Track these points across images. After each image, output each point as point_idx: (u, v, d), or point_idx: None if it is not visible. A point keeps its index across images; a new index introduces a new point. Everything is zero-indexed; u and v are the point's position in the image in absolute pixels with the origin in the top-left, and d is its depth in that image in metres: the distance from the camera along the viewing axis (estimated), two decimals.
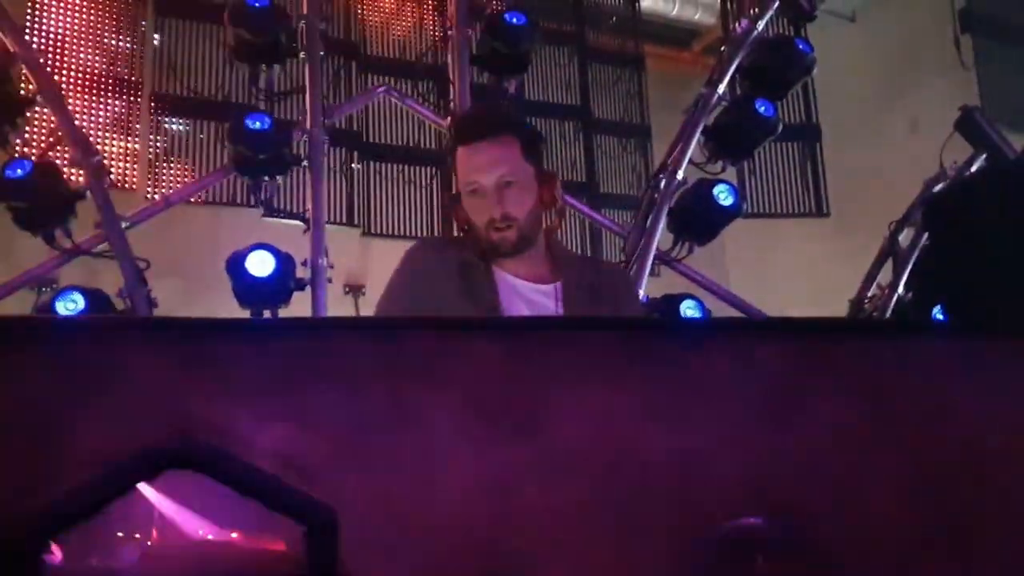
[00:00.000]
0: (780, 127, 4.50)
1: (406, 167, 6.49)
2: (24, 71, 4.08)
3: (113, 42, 5.32)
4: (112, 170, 4.61)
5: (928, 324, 2.03)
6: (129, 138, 5.24)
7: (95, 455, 0.99)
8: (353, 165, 6.14)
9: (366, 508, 1.01)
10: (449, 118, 4.50)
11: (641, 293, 4.13)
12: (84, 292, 3.69)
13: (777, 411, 1.18)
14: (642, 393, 1.16)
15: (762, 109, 4.39)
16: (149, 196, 5.18)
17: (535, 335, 1.20)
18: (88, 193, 3.98)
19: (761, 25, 4.56)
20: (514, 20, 4.23)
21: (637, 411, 1.14)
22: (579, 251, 6.67)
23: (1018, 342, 1.30)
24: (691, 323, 1.54)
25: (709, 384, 1.19)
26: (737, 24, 4.84)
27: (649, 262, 4.23)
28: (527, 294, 1.96)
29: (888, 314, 4.56)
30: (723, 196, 4.23)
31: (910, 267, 4.63)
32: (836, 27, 7.86)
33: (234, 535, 1.14)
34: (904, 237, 4.80)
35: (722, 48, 4.87)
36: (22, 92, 4.12)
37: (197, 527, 1.16)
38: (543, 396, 1.12)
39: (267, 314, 3.94)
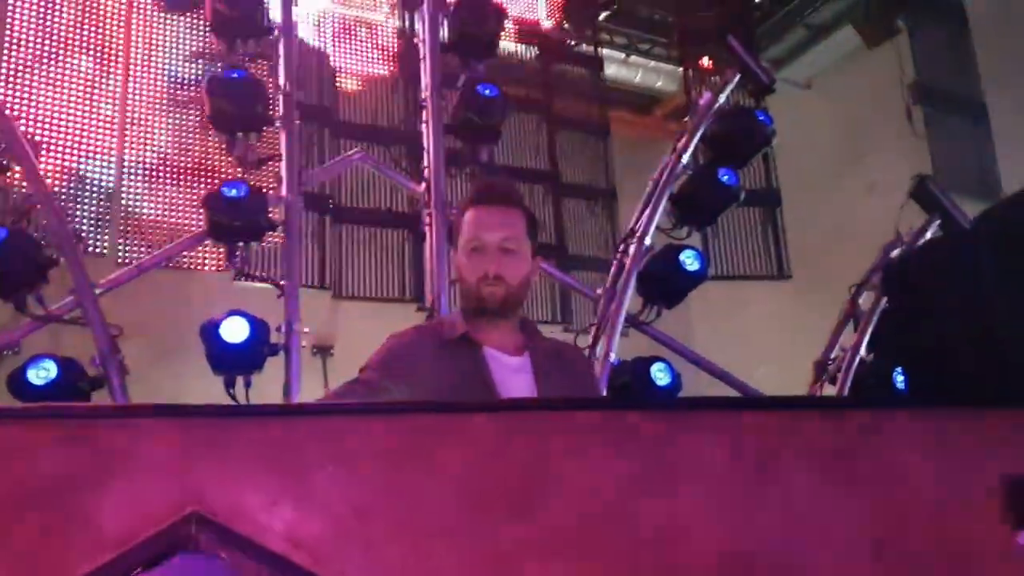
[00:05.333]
0: (743, 195, 4.64)
1: (378, 230, 6.57)
2: None
3: (87, 108, 5.37)
4: (84, 236, 4.60)
5: (890, 398, 2.12)
6: (101, 203, 5.27)
7: (108, 538, 1.03)
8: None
9: None
10: (423, 184, 4.58)
11: (612, 356, 4.21)
12: (56, 360, 3.67)
13: (755, 483, 1.25)
14: (629, 468, 1.21)
15: (725, 178, 4.54)
16: (121, 261, 5.18)
17: (527, 415, 1.26)
18: (61, 259, 3.98)
19: (723, 98, 4.73)
20: (487, 92, 4.36)
21: (627, 487, 1.20)
22: (550, 313, 6.78)
23: (972, 415, 1.38)
24: (673, 401, 1.61)
25: (692, 458, 1.25)
26: (699, 95, 5.01)
27: (620, 325, 4.32)
28: (506, 365, 2.03)
29: (850, 376, 4.67)
30: (689, 262, 4.35)
31: (871, 330, 4.76)
32: (792, 94, 8.14)
33: None
34: (864, 300, 4.94)
35: (686, 119, 5.03)
36: None
37: None
38: (536, 474, 1.17)
39: (240, 380, 3.95)
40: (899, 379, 4.41)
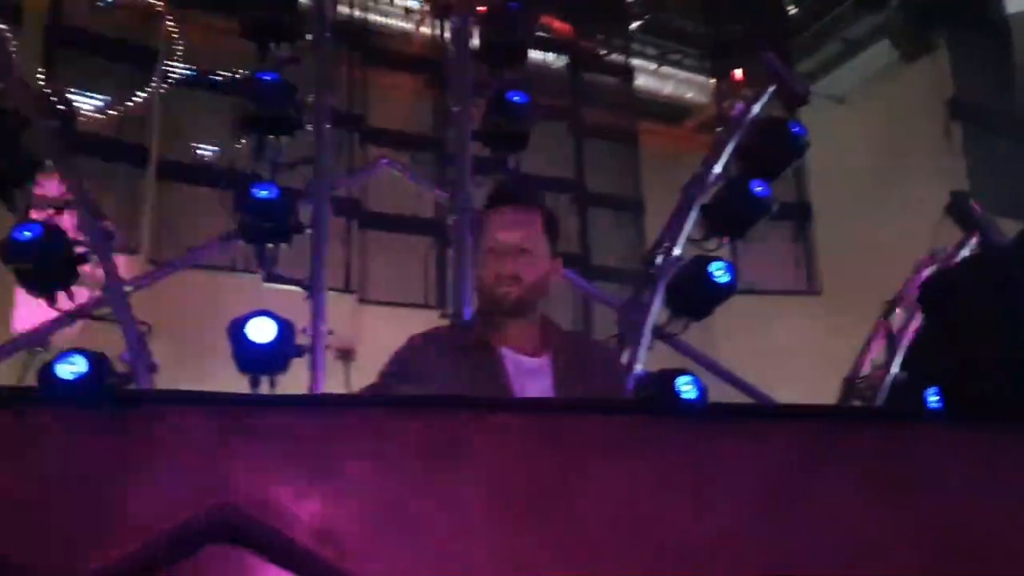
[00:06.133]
0: (775, 206, 4.59)
1: (403, 236, 6.58)
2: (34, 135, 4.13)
3: (122, 108, 5.44)
4: (116, 234, 4.62)
5: (931, 413, 2.07)
6: (135, 202, 5.33)
7: (138, 526, 1.01)
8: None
9: None
10: (449, 190, 4.58)
11: (638, 367, 4.17)
12: (86, 354, 3.68)
13: (787, 494, 1.22)
14: (659, 474, 1.19)
15: (757, 189, 4.48)
16: (152, 260, 5.23)
17: (561, 415, 1.24)
18: (93, 256, 4.01)
19: (756, 108, 4.69)
20: (516, 98, 4.34)
21: (654, 492, 1.17)
22: (572, 322, 6.74)
23: (1019, 431, 1.34)
24: (705, 408, 1.58)
25: (723, 467, 1.22)
26: (731, 107, 4.97)
27: (647, 336, 4.27)
28: (524, 368, 2.01)
29: (882, 393, 4.60)
30: (719, 273, 4.28)
31: (904, 347, 4.68)
32: (826, 108, 8.07)
33: None
34: (896, 317, 4.87)
35: (717, 129, 4.99)
36: (32, 156, 4.16)
37: None
38: (567, 477, 1.15)
39: (265, 380, 3.95)
40: (933, 399, 4.33)
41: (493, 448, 1.14)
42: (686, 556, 1.14)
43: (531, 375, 2.00)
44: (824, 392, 5.22)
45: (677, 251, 4.46)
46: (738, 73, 7.81)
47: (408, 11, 7.60)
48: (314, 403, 1.23)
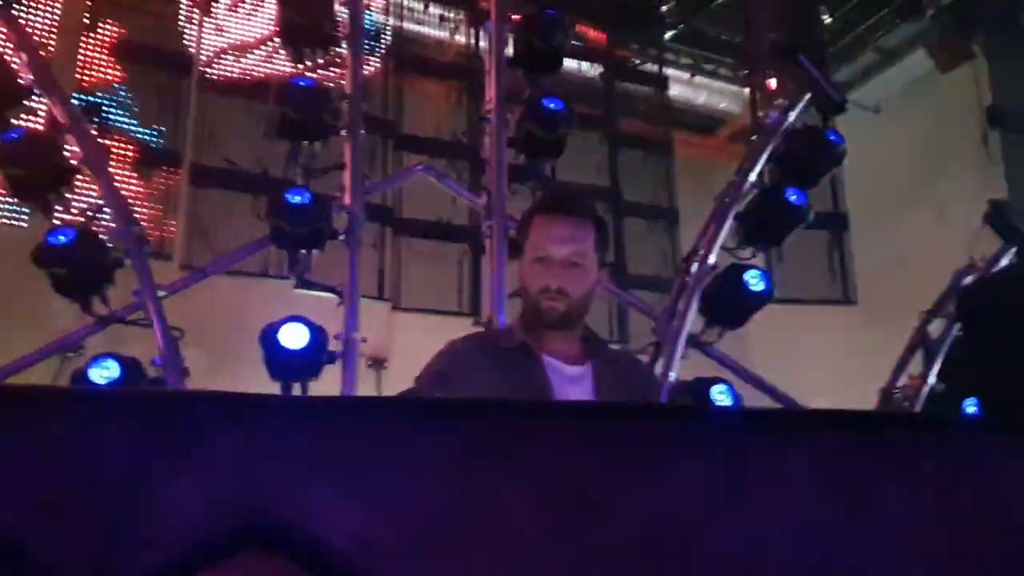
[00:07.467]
0: (811, 215, 4.53)
1: (437, 243, 6.58)
2: (69, 141, 4.18)
3: (155, 115, 5.50)
4: (150, 239, 4.66)
5: (987, 420, 2.02)
6: (167, 208, 5.39)
7: (171, 531, 1.00)
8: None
9: None
10: (484, 196, 4.57)
11: (672, 375, 4.13)
12: (118, 359, 3.71)
13: (836, 503, 1.18)
14: (702, 481, 1.16)
15: (793, 198, 4.44)
16: (185, 265, 5.26)
17: (597, 420, 1.21)
18: (127, 261, 4.03)
19: (793, 116, 4.64)
20: (552, 105, 4.33)
21: (697, 499, 1.14)
22: (607, 330, 6.71)
23: None
24: (752, 413, 1.54)
25: (769, 474, 1.19)
26: (766, 116, 4.93)
27: (681, 345, 4.24)
28: (565, 375, 1.99)
29: (919, 405, 4.53)
30: (754, 282, 4.25)
31: (942, 358, 4.61)
32: (861, 118, 7.98)
33: None
34: (934, 327, 4.79)
35: (752, 137, 4.94)
36: (67, 161, 4.21)
37: None
38: (604, 481, 1.12)
39: (297, 387, 3.95)
40: (971, 409, 4.25)
41: (532, 453, 1.12)
42: (728, 564, 1.11)
43: (572, 382, 1.98)
44: (860, 403, 5.15)
45: (712, 259, 4.42)
46: (772, 83, 7.75)
47: (443, 19, 7.62)
48: (351, 406, 1.21)
